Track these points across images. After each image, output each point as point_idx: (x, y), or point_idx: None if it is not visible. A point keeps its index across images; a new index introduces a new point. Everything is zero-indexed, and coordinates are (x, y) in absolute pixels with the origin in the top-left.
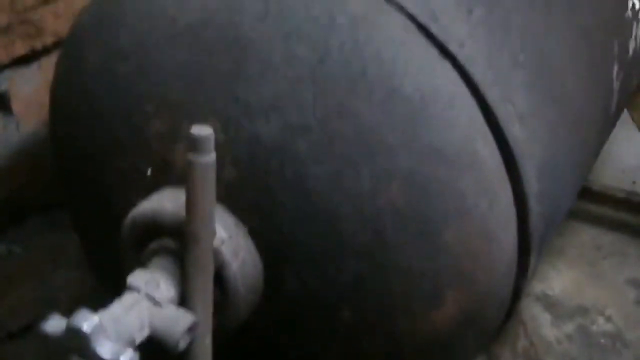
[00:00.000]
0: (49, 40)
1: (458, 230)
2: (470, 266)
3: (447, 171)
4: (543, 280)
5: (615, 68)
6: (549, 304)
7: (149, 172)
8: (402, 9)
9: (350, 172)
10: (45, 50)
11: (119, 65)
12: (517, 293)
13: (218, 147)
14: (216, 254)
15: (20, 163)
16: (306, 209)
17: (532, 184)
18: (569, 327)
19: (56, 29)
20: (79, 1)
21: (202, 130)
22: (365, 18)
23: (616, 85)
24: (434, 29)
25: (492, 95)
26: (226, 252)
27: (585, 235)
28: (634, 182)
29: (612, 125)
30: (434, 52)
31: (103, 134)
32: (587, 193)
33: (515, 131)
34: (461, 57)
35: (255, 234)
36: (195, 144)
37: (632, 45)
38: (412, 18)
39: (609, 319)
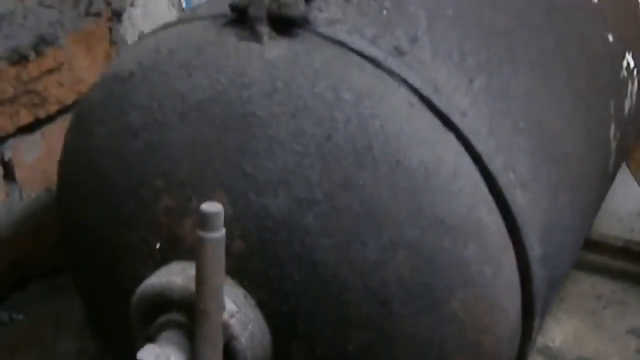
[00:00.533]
0: (52, 108)
1: (463, 299)
2: (476, 334)
3: (452, 241)
4: (544, 332)
5: (612, 128)
6: (550, 356)
7: (157, 246)
8: (405, 82)
9: (356, 244)
10: (49, 118)
11: (128, 142)
12: (521, 357)
13: (226, 221)
14: (225, 327)
15: (23, 231)
16: (314, 280)
17: (534, 249)
18: None
19: (60, 97)
20: (83, 70)
21: (212, 207)
22: (369, 93)
23: (613, 144)
24: (437, 100)
25: (495, 164)
26: (235, 324)
27: (585, 285)
28: (632, 230)
29: (611, 182)
30: (437, 124)
31: (112, 208)
32: (585, 242)
33: (517, 198)
34: (464, 127)
35: (264, 305)
36: (204, 221)
37: (627, 104)
38: (415, 91)
39: None
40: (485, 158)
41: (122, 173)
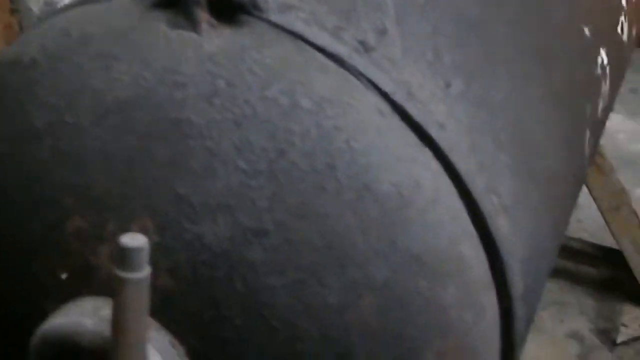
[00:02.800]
0: None
1: (439, 349)
2: None
3: (429, 282)
4: None
5: (587, 134)
6: None
7: (64, 276)
8: (374, 86)
9: (313, 284)
10: None
11: (30, 148)
12: None
13: (152, 252)
14: None
15: None
16: (259, 326)
17: (517, 285)
18: None
19: None
20: None
21: (134, 241)
22: (332, 100)
23: (587, 151)
24: (411, 109)
25: (477, 187)
26: None
27: None
28: (578, 221)
29: (580, 189)
30: (412, 138)
31: (11, 230)
32: None
33: (500, 225)
34: (442, 142)
35: (196, 355)
36: (124, 257)
37: (601, 105)
38: (386, 97)
39: None
40: (467, 179)
41: (22, 187)
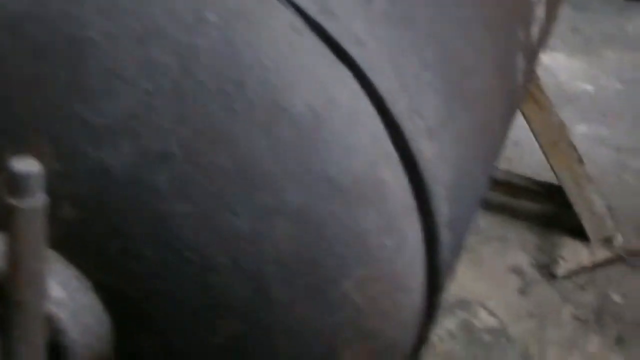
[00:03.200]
0: None
1: (360, 279)
2: (374, 319)
3: (347, 207)
4: None
5: (520, 58)
6: None
7: None
8: (288, 1)
9: (223, 211)
10: None
11: None
12: (423, 339)
13: (51, 180)
14: (49, 320)
15: None
16: (168, 257)
17: (442, 212)
18: (451, 324)
19: None
20: None
21: (27, 166)
22: (242, 14)
23: (520, 78)
24: (328, 25)
25: (399, 107)
26: (63, 316)
27: None
28: (510, 161)
29: (514, 120)
30: (329, 56)
31: None
32: None
33: (424, 148)
34: (362, 60)
35: (104, 290)
36: (16, 184)
37: (535, 30)
38: (300, 12)
39: (491, 312)
40: (387, 99)
41: None
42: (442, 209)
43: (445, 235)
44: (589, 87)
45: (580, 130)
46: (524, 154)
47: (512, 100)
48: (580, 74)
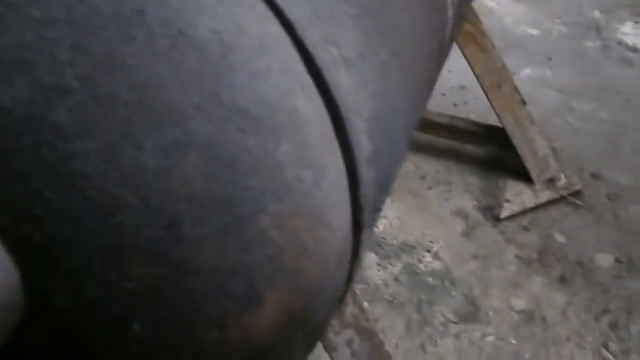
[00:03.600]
0: None
1: (277, 214)
2: (294, 257)
3: (259, 138)
4: None
5: None
6: (374, 243)
7: None
8: None
9: (128, 147)
10: None
11: None
12: (350, 276)
13: None
14: None
15: None
16: (72, 197)
17: (363, 146)
18: (396, 268)
19: None
20: None
21: None
22: None
23: (451, 11)
24: None
25: (312, 36)
26: None
27: (409, 165)
28: (455, 105)
29: (446, 56)
30: None
31: None
32: None
33: (341, 79)
34: None
35: (5, 235)
36: None
37: None
38: None
39: (436, 255)
40: (299, 27)
41: None
42: (363, 143)
43: (366, 171)
44: (534, 31)
45: (525, 74)
46: (469, 98)
47: (442, 34)
48: (526, 18)
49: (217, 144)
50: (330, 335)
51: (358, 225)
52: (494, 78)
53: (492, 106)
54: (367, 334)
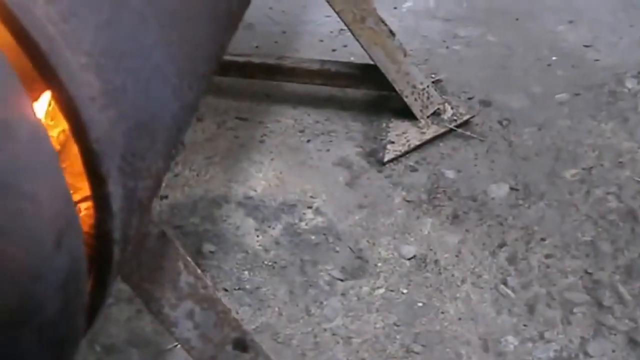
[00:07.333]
0: None
1: None
2: None
3: None
4: (243, 181)
5: None
6: (252, 207)
7: None
8: None
9: None
10: None
11: None
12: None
13: None
14: None
15: None
16: None
17: (84, 82)
18: (276, 230)
19: None
20: None
21: None
22: None
23: None
24: None
25: None
26: None
27: (287, 119)
28: (333, 50)
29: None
30: None
31: None
32: (279, 71)
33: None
34: None
35: None
36: None
37: None
38: None
39: (317, 211)
40: None
41: None
42: (84, 78)
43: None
44: None
45: (407, 6)
46: (349, 41)
47: None
48: None
49: None
50: (166, 310)
51: (103, 208)
52: (357, 13)
53: (359, 42)
54: (209, 302)
